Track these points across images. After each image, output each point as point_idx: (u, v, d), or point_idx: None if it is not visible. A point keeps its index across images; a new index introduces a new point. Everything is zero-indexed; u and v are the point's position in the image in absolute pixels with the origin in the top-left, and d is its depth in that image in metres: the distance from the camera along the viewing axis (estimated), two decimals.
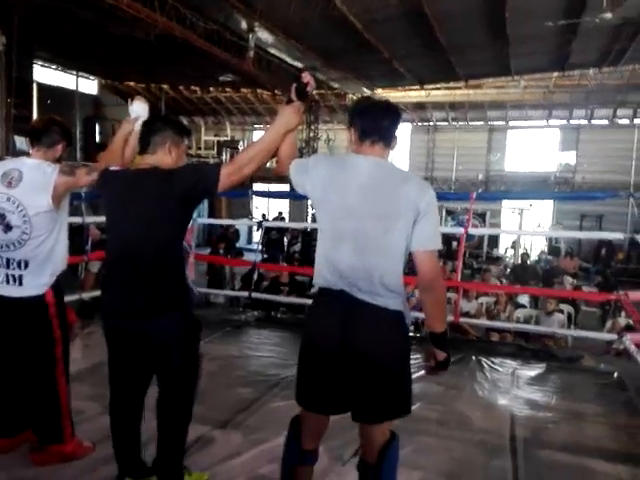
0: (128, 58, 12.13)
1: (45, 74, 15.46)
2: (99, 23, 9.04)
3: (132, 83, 17.66)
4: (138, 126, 2.37)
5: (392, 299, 1.79)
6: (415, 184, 1.79)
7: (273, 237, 12.29)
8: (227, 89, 17.88)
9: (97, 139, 16.96)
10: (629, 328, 4.44)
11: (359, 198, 1.76)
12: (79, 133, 15.30)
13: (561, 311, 5.94)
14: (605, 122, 17.54)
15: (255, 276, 5.76)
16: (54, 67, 15.51)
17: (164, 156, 2.14)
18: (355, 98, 17.03)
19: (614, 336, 4.28)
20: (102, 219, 4.88)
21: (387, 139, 1.85)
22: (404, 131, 20.35)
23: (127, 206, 2.09)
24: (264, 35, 10.01)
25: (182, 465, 2.24)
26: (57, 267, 2.45)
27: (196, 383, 2.24)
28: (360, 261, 1.76)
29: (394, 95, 16.85)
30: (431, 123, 19.63)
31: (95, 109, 17.75)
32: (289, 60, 11.62)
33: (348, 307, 1.77)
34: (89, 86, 17.56)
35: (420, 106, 18.24)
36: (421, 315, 6.15)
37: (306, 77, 2.00)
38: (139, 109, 2.51)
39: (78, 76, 15.69)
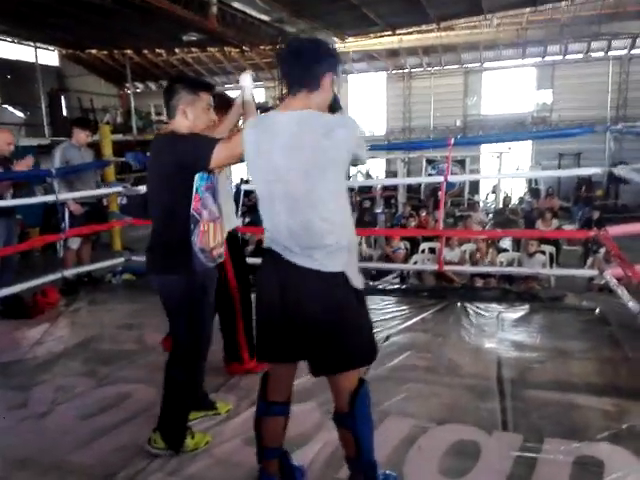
0: (86, 24, 11.60)
1: (2, 48, 14.80)
2: None
3: (94, 51, 16.97)
4: (242, 97, 2.49)
5: (331, 259, 1.74)
6: (340, 131, 1.71)
7: (254, 201, 12.17)
8: (193, 50, 17.28)
9: (64, 112, 16.44)
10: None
11: (284, 158, 1.70)
12: (44, 107, 14.76)
13: (543, 252, 6.03)
14: (580, 56, 17.39)
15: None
16: (10, 40, 14.81)
17: (181, 119, 2.17)
18: None
19: (595, 272, 4.36)
20: (78, 194, 4.84)
21: (310, 84, 1.75)
22: (379, 80, 20.00)
23: (149, 172, 2.26)
24: None
25: (184, 426, 2.33)
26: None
27: (198, 348, 2.29)
28: (296, 222, 1.73)
29: (366, 43, 16.46)
30: (406, 70, 19.28)
31: (58, 81, 17.12)
32: (255, 14, 11.21)
33: (284, 270, 1.76)
34: (50, 57, 16.87)
35: (394, 53, 17.87)
36: (407, 267, 6.23)
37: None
38: (243, 80, 2.55)
39: (37, 47, 15.02)
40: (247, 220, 8.30)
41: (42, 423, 2.64)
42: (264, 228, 1.85)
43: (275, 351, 1.85)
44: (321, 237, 1.72)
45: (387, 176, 18.18)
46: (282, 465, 2.02)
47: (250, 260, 5.68)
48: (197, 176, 2.11)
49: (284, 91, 1.80)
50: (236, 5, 10.65)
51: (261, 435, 1.94)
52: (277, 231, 1.77)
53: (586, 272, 4.85)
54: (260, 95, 19.45)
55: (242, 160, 1.93)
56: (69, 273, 4.82)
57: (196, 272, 2.17)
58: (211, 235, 2.21)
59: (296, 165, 1.70)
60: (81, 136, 5.15)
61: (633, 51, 16.59)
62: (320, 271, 1.73)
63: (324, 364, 1.81)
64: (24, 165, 4.46)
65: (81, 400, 2.85)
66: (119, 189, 5.62)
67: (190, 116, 2.16)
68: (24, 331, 4.01)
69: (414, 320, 3.93)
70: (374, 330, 1.94)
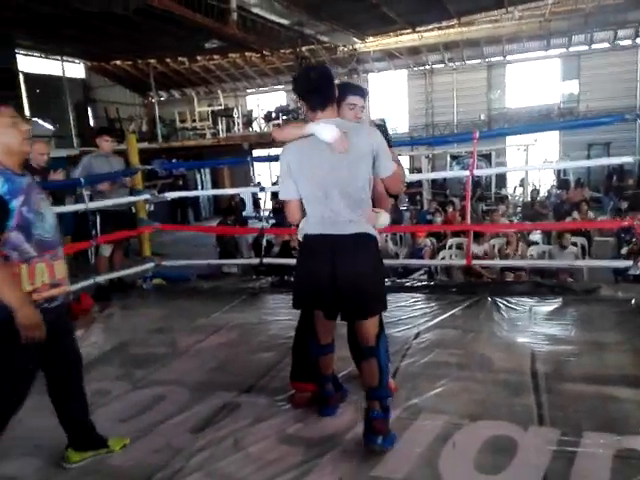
0: (110, 36, 11.84)
1: (30, 63, 15.21)
2: (75, 2, 8.78)
3: (119, 62, 17.31)
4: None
5: None
6: None
7: (281, 204, 12.22)
8: (215, 56, 17.47)
9: (91, 123, 16.83)
10: None
11: None
12: (72, 119, 15.13)
13: (574, 244, 5.89)
14: (606, 45, 16.95)
15: (264, 242, 5.75)
16: (38, 55, 15.22)
17: None
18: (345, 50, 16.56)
19: (630, 263, 4.22)
20: (104, 203, 4.95)
21: None
22: (400, 78, 19.87)
23: None
24: None
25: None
26: None
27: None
28: None
29: (386, 42, 16.38)
30: (427, 67, 19.11)
31: (85, 93, 17.52)
32: (274, 18, 11.28)
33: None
34: (76, 70, 17.26)
35: (414, 50, 17.73)
36: (435, 262, 6.17)
37: None
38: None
39: (63, 61, 15.40)
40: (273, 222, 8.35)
41: None
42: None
43: (320, 307, 2.38)
44: None
45: (411, 173, 18.03)
46: (334, 384, 2.65)
47: (273, 261, 5.80)
48: None
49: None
50: (255, 10, 10.73)
51: (319, 367, 2.55)
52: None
53: (620, 263, 4.70)
54: (281, 98, 19.56)
55: None
56: (101, 279, 4.92)
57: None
58: (25, 277, 2.02)
59: None
60: (103, 144, 5.21)
61: None
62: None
63: (359, 312, 2.30)
64: (58, 175, 4.59)
65: (118, 403, 2.90)
66: (147, 196, 5.72)
67: None
68: None
69: (444, 316, 3.89)
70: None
